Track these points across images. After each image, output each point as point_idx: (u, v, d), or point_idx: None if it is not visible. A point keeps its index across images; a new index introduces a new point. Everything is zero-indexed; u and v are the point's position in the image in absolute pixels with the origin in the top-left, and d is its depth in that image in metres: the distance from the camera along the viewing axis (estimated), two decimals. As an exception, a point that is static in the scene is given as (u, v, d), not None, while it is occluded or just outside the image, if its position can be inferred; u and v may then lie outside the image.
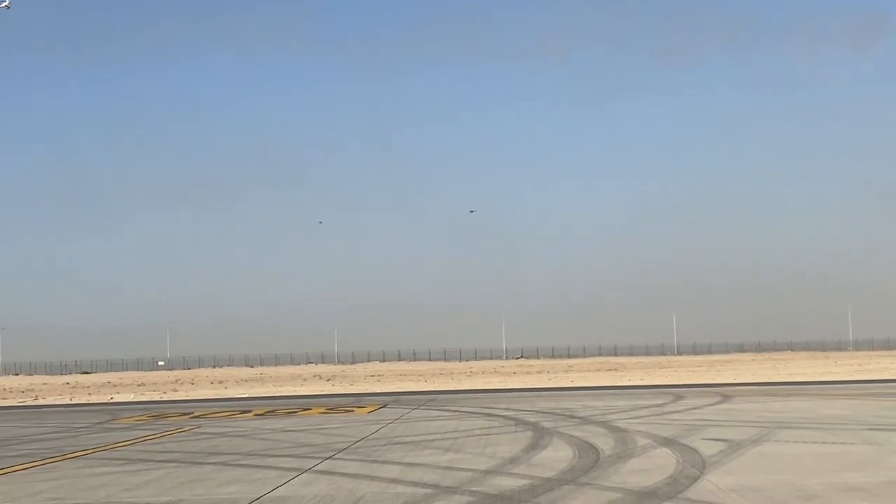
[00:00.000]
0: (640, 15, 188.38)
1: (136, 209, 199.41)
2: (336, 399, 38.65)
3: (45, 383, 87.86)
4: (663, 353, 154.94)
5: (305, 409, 30.54)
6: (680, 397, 30.78)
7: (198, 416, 28.55)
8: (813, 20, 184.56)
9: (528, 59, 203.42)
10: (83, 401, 46.61)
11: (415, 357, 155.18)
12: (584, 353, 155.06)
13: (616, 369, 78.68)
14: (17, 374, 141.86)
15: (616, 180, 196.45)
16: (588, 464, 13.65)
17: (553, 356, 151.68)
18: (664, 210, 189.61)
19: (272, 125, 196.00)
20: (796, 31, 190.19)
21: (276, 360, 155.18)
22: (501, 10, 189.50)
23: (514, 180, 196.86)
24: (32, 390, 67.02)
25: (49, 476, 14.30)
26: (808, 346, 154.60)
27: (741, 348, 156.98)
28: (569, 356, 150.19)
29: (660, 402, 28.50)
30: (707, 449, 15.04)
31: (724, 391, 34.80)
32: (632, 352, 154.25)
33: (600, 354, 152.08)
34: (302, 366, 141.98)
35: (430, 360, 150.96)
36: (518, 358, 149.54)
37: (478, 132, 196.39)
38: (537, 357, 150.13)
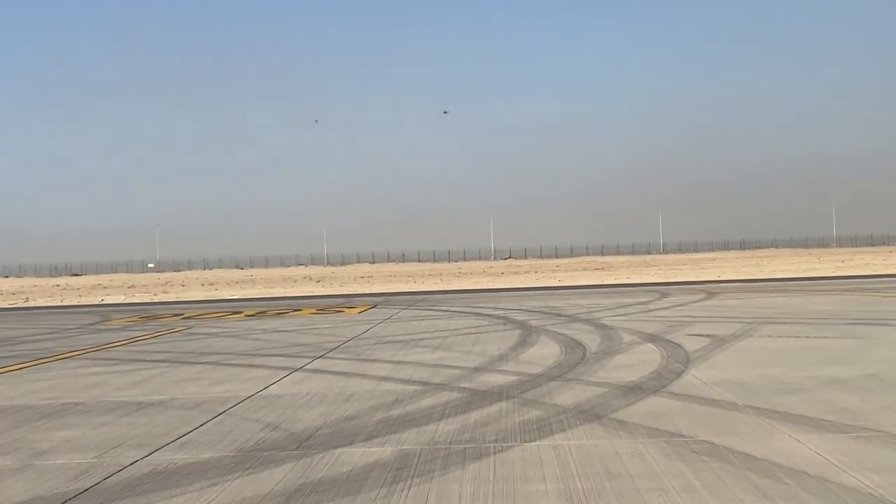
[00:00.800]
0: None
1: (127, 112, 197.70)
2: (326, 300, 38.93)
3: (35, 285, 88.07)
4: (649, 252, 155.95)
5: (296, 310, 30.77)
6: (665, 295, 31.10)
7: (189, 317, 28.76)
8: None
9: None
10: (74, 303, 46.82)
11: (404, 258, 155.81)
12: (572, 252, 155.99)
13: (603, 268, 79.19)
14: (6, 277, 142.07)
15: (601, 79, 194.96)
16: (574, 360, 13.86)
17: (541, 256, 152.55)
18: (650, 109, 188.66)
19: (259, 22, 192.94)
20: None
21: (266, 262, 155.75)
22: None
23: (500, 79, 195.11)
24: (23, 292, 67.22)
25: (42, 376, 14.46)
26: (792, 244, 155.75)
27: (726, 246, 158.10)
28: (556, 256, 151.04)
29: (645, 299, 28.80)
30: (691, 344, 15.27)
31: (708, 288, 35.16)
32: (618, 251, 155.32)
33: (587, 254, 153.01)
34: (292, 268, 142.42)
35: (419, 261, 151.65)
36: (506, 258, 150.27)
37: (462, 26, 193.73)
38: (525, 257, 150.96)
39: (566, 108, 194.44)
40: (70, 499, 6.79)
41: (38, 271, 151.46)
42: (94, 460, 8.09)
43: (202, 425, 9.56)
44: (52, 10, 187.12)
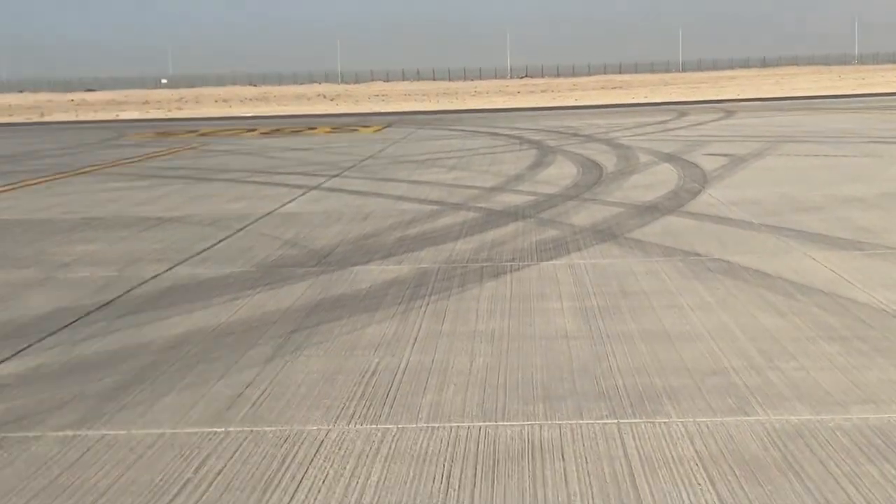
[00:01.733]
0: None
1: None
2: (341, 118, 38.72)
3: (50, 100, 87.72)
4: (668, 71, 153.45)
5: (311, 129, 30.65)
6: (683, 114, 30.78)
7: (204, 134, 28.70)
8: None
9: None
10: (89, 118, 46.69)
11: (419, 76, 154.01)
12: (589, 71, 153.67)
13: (620, 87, 78.19)
14: (21, 92, 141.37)
15: None
16: (591, 180, 13.84)
17: (558, 75, 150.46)
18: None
19: None
20: None
21: (280, 80, 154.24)
22: None
23: None
24: (38, 107, 67.01)
25: (60, 191, 14.56)
26: (813, 61, 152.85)
27: (746, 64, 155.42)
28: (574, 75, 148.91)
29: (663, 118, 28.53)
30: (709, 164, 15.20)
31: (727, 107, 34.77)
32: (636, 69, 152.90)
33: (605, 73, 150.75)
34: (305, 85, 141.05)
35: (434, 79, 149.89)
36: (522, 77, 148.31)
37: None
38: (542, 76, 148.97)
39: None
40: (94, 311, 6.92)
41: (52, 86, 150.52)
42: (116, 273, 8.21)
43: (221, 241, 9.67)
44: None
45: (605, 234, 9.40)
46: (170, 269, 8.34)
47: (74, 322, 6.60)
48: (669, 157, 16.53)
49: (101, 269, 8.41)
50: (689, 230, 9.45)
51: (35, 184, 15.82)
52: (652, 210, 10.78)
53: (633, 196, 11.99)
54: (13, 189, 15.18)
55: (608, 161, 16.37)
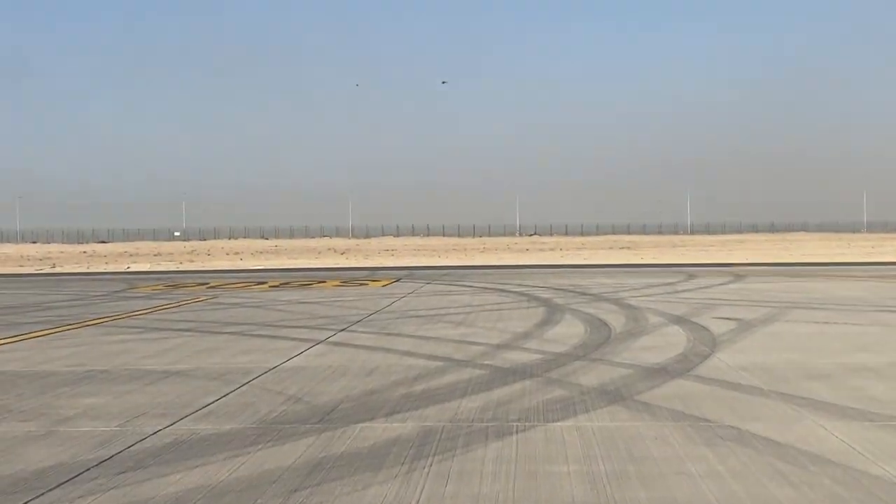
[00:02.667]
0: None
1: (157, 80, 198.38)
2: (350, 272, 38.98)
3: (62, 251, 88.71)
4: (676, 232, 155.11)
5: (320, 282, 30.82)
6: (692, 276, 30.91)
7: (214, 287, 28.86)
8: None
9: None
10: (100, 269, 47.12)
11: (428, 232, 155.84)
12: (598, 230, 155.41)
13: (629, 247, 78.88)
14: (34, 242, 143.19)
15: (629, 58, 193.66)
16: (599, 340, 13.79)
17: (566, 234, 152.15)
18: (678, 87, 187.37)
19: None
20: None
21: (291, 233, 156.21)
22: None
23: (530, 53, 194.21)
24: (50, 258, 67.72)
25: (68, 342, 14.54)
26: (822, 227, 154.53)
27: (754, 228, 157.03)
28: (582, 234, 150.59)
29: (672, 280, 28.64)
30: (718, 327, 15.16)
31: (736, 270, 34.93)
32: (645, 230, 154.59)
33: (613, 232, 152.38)
34: (317, 239, 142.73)
35: (443, 235, 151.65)
36: (531, 235, 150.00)
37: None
38: (550, 234, 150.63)
39: (595, 85, 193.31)
40: (93, 466, 6.81)
41: (65, 237, 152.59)
42: (118, 428, 8.11)
43: (225, 396, 9.58)
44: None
45: (613, 395, 9.29)
46: (172, 424, 8.24)
47: (73, 478, 6.49)
48: (678, 320, 16.50)
49: (104, 424, 8.31)
50: (698, 395, 9.33)
51: (42, 335, 15.81)
52: (661, 372, 10.68)
53: (642, 357, 11.91)
54: (20, 340, 15.17)
55: (616, 321, 16.34)
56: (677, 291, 23.72)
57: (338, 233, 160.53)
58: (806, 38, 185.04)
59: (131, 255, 72.41)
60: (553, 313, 18.02)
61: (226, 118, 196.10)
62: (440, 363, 11.67)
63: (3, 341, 14.86)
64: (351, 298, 22.96)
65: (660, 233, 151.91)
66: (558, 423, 8.05)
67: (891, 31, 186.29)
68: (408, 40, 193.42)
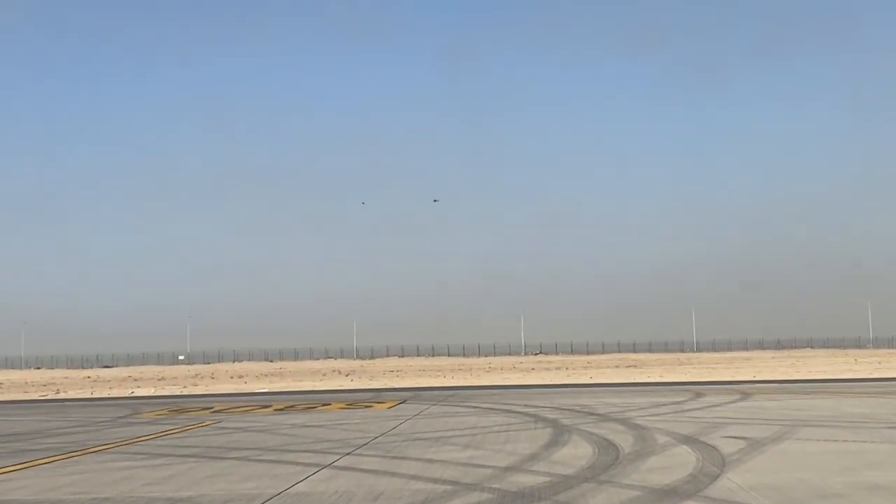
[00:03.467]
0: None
1: (154, 203, 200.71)
2: (355, 394, 38.75)
3: (66, 377, 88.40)
4: (682, 350, 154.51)
5: (325, 405, 30.64)
6: (699, 394, 30.71)
7: (218, 411, 28.69)
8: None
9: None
10: (104, 395, 46.89)
11: (433, 352, 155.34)
12: (603, 349, 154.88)
13: (635, 366, 78.51)
14: (38, 368, 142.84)
15: (632, 177, 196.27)
16: (608, 461, 13.66)
17: (572, 352, 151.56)
18: (683, 205, 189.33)
19: (287, 117, 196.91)
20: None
21: (296, 355, 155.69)
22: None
23: (533, 175, 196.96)
24: (54, 384, 67.46)
25: (72, 470, 14.42)
26: (828, 344, 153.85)
27: (761, 345, 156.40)
28: (587, 352, 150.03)
29: (679, 399, 28.45)
30: (727, 447, 15.02)
31: (743, 388, 34.70)
32: (651, 348, 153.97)
33: (619, 351, 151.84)
34: (321, 360, 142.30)
35: (448, 355, 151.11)
36: (537, 354, 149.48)
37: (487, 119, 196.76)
38: (556, 353, 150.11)
39: (595, 201, 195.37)
40: None
41: (69, 363, 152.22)
42: (121, 558, 8.00)
43: (230, 523, 9.46)
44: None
45: (623, 519, 9.17)
46: (176, 552, 8.13)
47: None
48: (687, 439, 16.36)
49: (106, 552, 8.20)
50: (709, 516, 9.21)
51: (47, 463, 15.70)
52: (670, 494, 10.56)
53: (651, 479, 11.78)
54: (23, 468, 15.06)
55: (624, 441, 16.20)
56: (685, 410, 23.55)
57: (342, 354, 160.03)
58: (807, 158, 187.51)
59: (135, 380, 72.11)
60: (560, 434, 17.88)
61: (228, 240, 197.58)
62: (447, 487, 11.55)
63: (8, 469, 14.75)
64: (356, 421, 22.80)
65: (666, 351, 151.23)
66: (568, 548, 7.94)
67: (886, 147, 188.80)
68: (411, 157, 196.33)
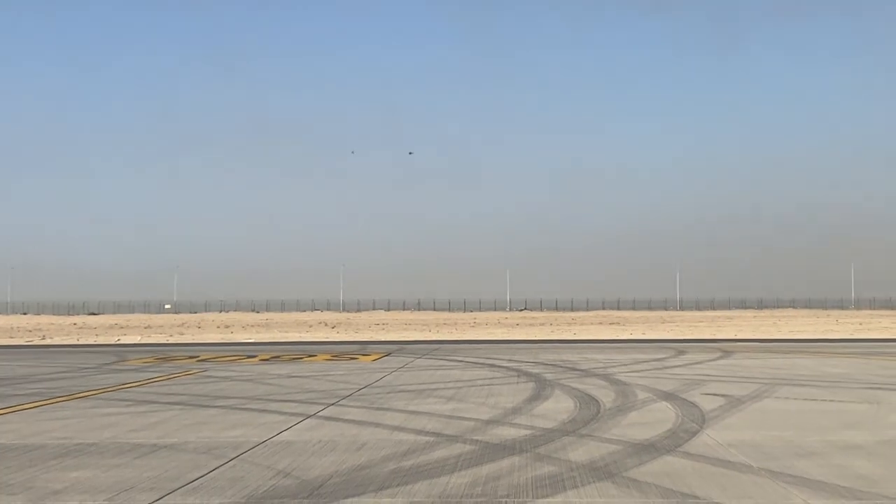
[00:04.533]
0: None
1: (144, 153, 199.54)
2: (341, 346, 38.92)
3: (52, 323, 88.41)
4: (665, 308, 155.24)
5: (310, 356, 30.78)
6: (681, 352, 30.96)
7: (204, 360, 28.80)
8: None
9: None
10: (90, 341, 46.97)
11: (419, 307, 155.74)
12: (588, 306, 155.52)
13: (618, 323, 78.95)
14: (24, 314, 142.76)
15: (617, 133, 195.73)
16: (588, 416, 13.81)
17: (556, 309, 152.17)
18: (668, 163, 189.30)
19: (267, 71, 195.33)
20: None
21: (283, 306, 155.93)
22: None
23: (517, 129, 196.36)
24: (40, 330, 67.49)
25: (57, 415, 14.50)
26: (810, 304, 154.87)
27: (743, 304, 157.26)
28: (572, 309, 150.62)
29: (661, 356, 28.68)
30: (707, 404, 15.19)
31: (724, 347, 34.99)
32: (634, 306, 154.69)
33: (603, 308, 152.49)
34: (307, 312, 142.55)
35: (434, 309, 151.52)
36: (522, 310, 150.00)
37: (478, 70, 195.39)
38: (541, 309, 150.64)
39: (585, 162, 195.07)
40: (81, 540, 6.80)
41: (55, 309, 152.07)
42: (106, 503, 8.10)
43: (214, 470, 9.57)
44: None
45: (602, 472, 9.32)
46: (160, 498, 8.23)
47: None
48: (667, 396, 16.54)
49: (92, 497, 8.30)
50: (687, 472, 9.36)
51: (31, 408, 15.77)
52: (650, 449, 10.71)
53: (631, 434, 11.93)
54: (8, 412, 15.13)
55: (606, 397, 16.37)
56: (666, 367, 23.75)
57: (329, 306, 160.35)
58: (792, 116, 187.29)
59: (122, 328, 72.20)
60: (543, 388, 18.04)
61: (219, 190, 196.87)
62: (430, 438, 11.68)
63: (-9, 414, 14.81)
64: (341, 373, 22.93)
65: (649, 308, 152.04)
66: (547, 499, 8.07)
67: (878, 101, 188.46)
68: (393, 110, 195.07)
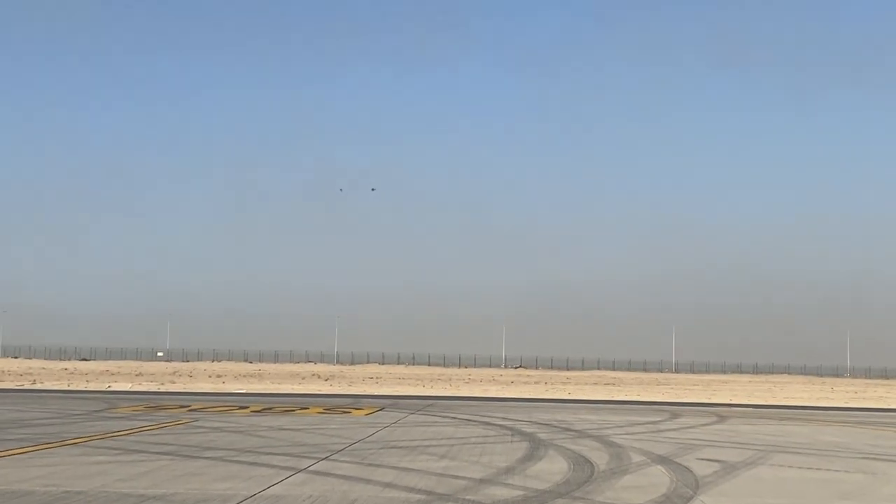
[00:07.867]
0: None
1: (141, 198, 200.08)
2: (334, 399, 38.69)
3: (43, 368, 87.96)
4: (661, 370, 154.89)
5: (303, 408, 30.59)
6: (676, 415, 30.80)
7: (195, 410, 28.61)
8: None
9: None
10: (81, 387, 46.70)
11: (413, 361, 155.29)
12: (583, 365, 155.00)
13: (613, 384, 78.64)
14: (16, 357, 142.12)
15: (615, 195, 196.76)
16: (582, 478, 13.69)
17: (552, 367, 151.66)
18: (668, 226, 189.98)
19: (280, 116, 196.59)
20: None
21: (276, 357, 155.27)
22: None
23: (517, 187, 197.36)
24: (31, 374, 67.13)
25: (45, 462, 14.36)
26: (806, 371, 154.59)
27: (738, 369, 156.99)
28: (567, 368, 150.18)
29: (656, 419, 28.52)
30: (701, 469, 15.07)
31: (719, 411, 34.82)
32: (630, 367, 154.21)
33: (598, 368, 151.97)
34: (301, 364, 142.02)
35: (428, 364, 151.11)
36: (517, 367, 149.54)
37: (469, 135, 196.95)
38: (536, 367, 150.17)
39: (579, 221, 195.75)
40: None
41: (47, 354, 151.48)
42: (92, 553, 7.98)
43: (202, 523, 9.44)
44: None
45: (594, 536, 9.20)
46: (147, 549, 8.11)
47: None
48: (661, 459, 16.41)
49: (77, 546, 8.17)
50: (680, 537, 9.25)
51: (19, 453, 15.63)
52: (643, 514, 10.59)
53: (625, 497, 11.82)
54: (-3, 455, 14.98)
55: (600, 459, 16.24)
56: (660, 430, 23.61)
57: (322, 358, 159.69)
58: (792, 189, 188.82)
59: (113, 374, 71.80)
60: (537, 448, 17.91)
61: (215, 239, 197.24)
62: (421, 496, 11.56)
63: (-21, 458, 14.66)
64: (333, 426, 22.77)
65: (645, 370, 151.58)
66: (539, 563, 7.96)
67: (864, 187, 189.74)
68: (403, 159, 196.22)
